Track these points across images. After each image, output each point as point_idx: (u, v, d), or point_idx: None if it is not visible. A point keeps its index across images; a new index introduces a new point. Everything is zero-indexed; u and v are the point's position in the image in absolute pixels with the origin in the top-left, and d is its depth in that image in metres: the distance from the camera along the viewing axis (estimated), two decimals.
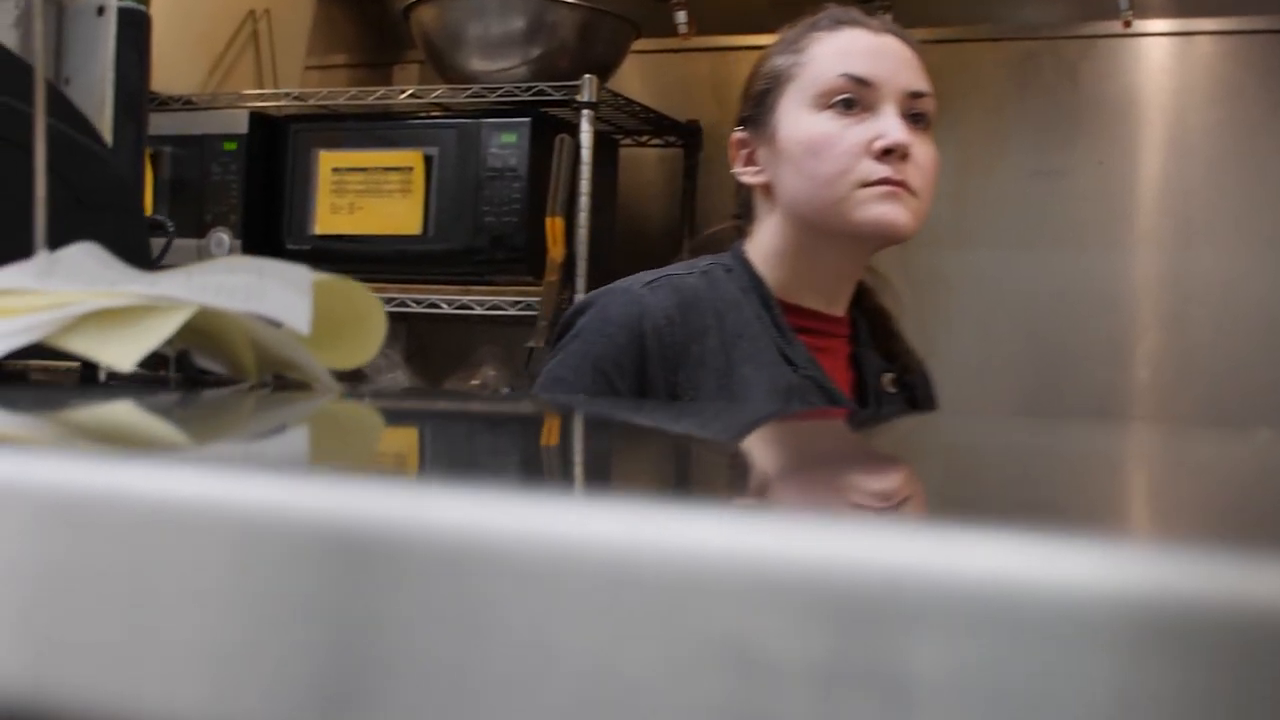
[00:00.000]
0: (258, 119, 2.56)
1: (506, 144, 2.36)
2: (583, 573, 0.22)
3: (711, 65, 2.70)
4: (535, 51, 2.42)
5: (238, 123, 2.54)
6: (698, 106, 2.68)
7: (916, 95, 1.34)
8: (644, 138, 2.73)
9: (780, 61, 1.37)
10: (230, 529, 0.25)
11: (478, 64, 2.46)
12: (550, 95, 2.38)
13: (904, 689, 0.20)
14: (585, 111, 2.33)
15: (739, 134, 1.41)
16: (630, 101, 2.51)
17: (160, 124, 2.41)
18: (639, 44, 2.59)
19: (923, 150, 1.33)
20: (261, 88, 2.79)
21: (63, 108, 0.79)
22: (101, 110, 0.91)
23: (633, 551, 0.22)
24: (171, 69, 2.51)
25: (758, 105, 1.39)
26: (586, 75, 2.32)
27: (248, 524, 0.25)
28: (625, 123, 2.62)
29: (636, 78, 2.70)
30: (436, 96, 2.51)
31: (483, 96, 2.43)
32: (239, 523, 0.25)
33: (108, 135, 0.89)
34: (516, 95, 2.40)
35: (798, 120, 1.34)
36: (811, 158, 1.32)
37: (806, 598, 0.20)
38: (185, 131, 2.54)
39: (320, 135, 2.54)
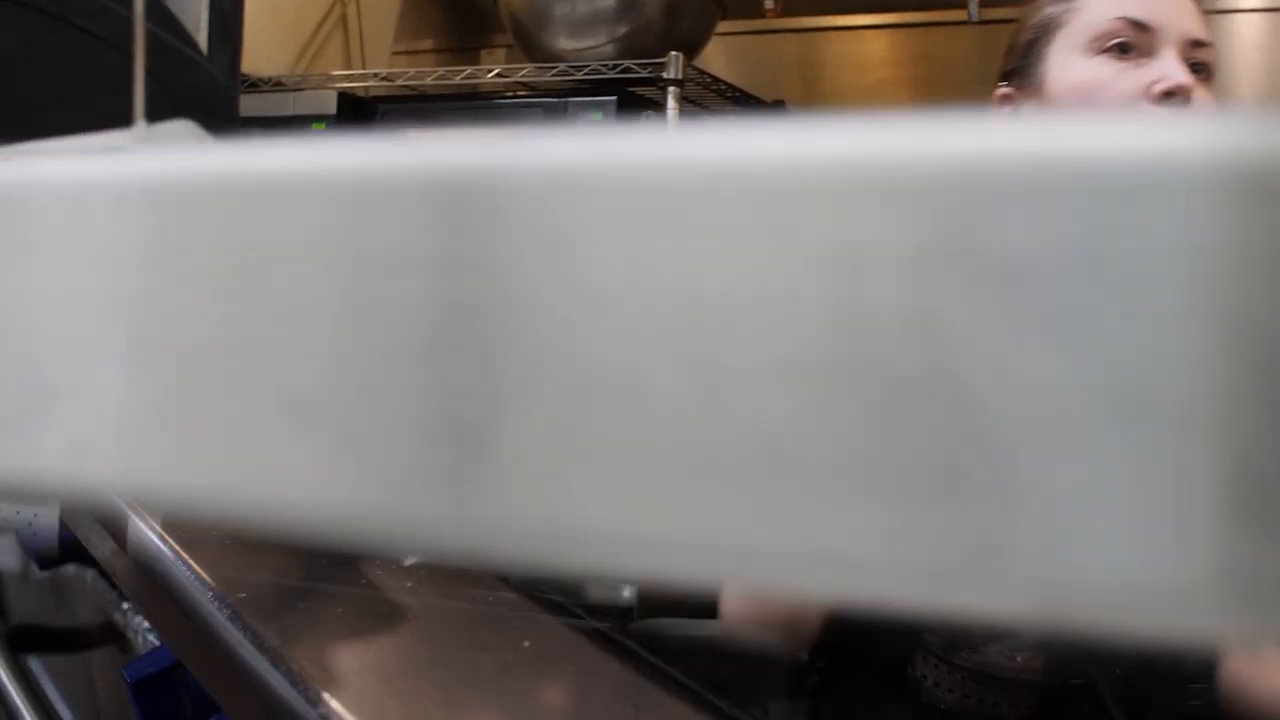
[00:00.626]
0: (346, 100, 2.59)
1: (593, 122, 2.37)
2: (674, 190, 0.22)
3: (798, 46, 2.70)
4: (621, 30, 2.43)
5: (326, 104, 2.58)
6: (783, 87, 2.68)
7: (1198, 44, 1.24)
8: (730, 117, 2.72)
9: (1051, 10, 1.29)
10: (334, 191, 0.25)
11: (564, 43, 2.47)
12: (636, 73, 2.38)
13: (1003, 267, 0.19)
14: (671, 89, 2.33)
15: (1003, 89, 1.35)
16: (716, 80, 2.51)
17: (249, 106, 2.45)
18: (725, 25, 2.59)
19: (1206, 100, 1.24)
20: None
21: (160, 12, 0.80)
22: (197, 32, 0.92)
23: (721, 163, 0.22)
24: (261, 52, 2.55)
25: (1024, 56, 1.32)
26: (672, 52, 2.32)
27: (352, 184, 0.25)
28: (711, 102, 2.62)
29: (722, 59, 2.71)
30: (523, 76, 2.53)
31: (568, 75, 2.45)
32: (343, 184, 0.25)
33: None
34: (602, 74, 2.41)
35: (1068, 66, 1.26)
36: (1084, 103, 1.24)
37: (898, 186, 0.20)
38: (274, 113, 2.58)
39: (409, 115, 2.57)
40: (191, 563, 0.74)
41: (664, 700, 0.61)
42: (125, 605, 1.07)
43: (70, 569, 1.17)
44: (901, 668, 0.68)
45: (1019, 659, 0.66)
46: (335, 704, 0.60)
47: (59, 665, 1.41)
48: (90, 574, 1.14)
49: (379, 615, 0.67)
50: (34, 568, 1.69)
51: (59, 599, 1.60)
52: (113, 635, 1.17)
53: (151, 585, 0.77)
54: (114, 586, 1.10)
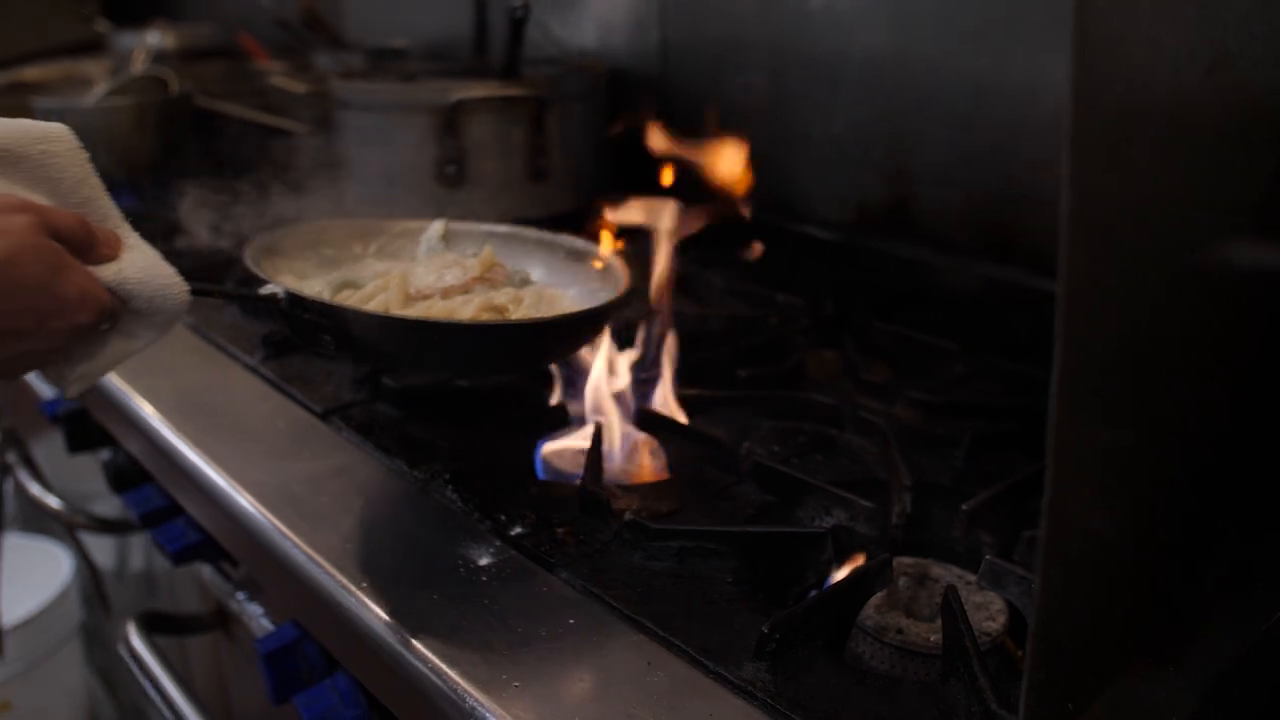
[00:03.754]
0: None
1: None
2: None
3: None
4: None
5: None
6: None
7: None
8: None
9: None
10: None
11: None
12: None
13: None
14: None
15: None
16: None
17: None
18: None
19: None
20: None
21: None
22: None
23: None
24: None
25: None
26: None
27: None
28: None
29: None
30: None
31: None
32: None
33: None
34: None
35: None
36: None
37: None
38: None
39: None
40: (313, 553, 0.99)
41: (670, 659, 0.86)
42: (240, 595, 1.32)
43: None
44: (843, 643, 0.92)
45: (931, 639, 0.90)
46: (439, 660, 0.86)
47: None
48: (207, 569, 1.39)
49: (469, 596, 0.93)
50: (129, 564, 1.96)
51: (151, 591, 1.86)
52: (222, 620, 1.43)
53: (280, 571, 1.02)
54: (228, 579, 1.36)
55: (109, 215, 0.90)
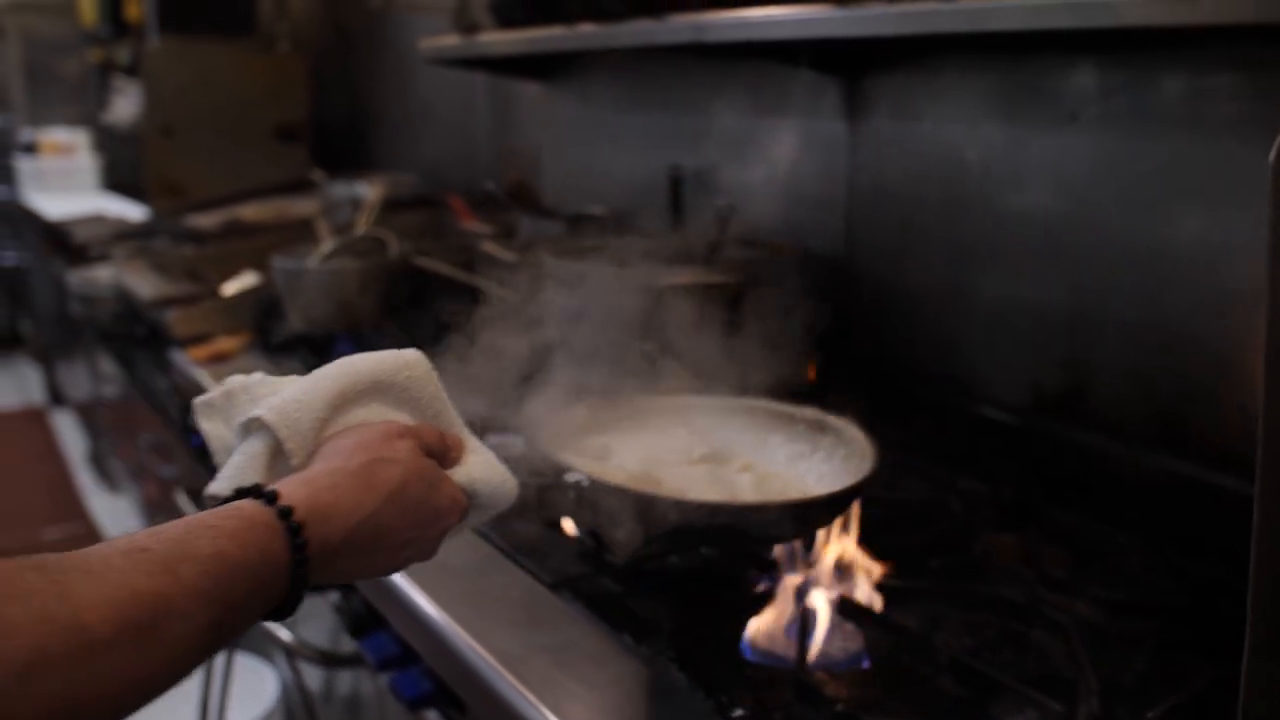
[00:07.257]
0: None
1: None
2: None
3: None
4: None
5: None
6: None
7: None
8: None
9: None
10: None
11: None
12: None
13: None
14: None
15: None
16: None
17: None
18: None
19: None
20: None
21: None
22: None
23: None
24: None
25: None
26: None
27: None
28: None
29: None
30: None
31: None
32: None
33: None
34: None
35: None
36: None
37: None
38: None
39: None
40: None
41: None
42: None
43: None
44: None
45: None
46: None
47: None
48: (433, 713, 1.53)
49: None
50: (335, 689, 2.10)
51: (354, 717, 2.01)
52: None
53: None
54: None
55: (453, 423, 1.06)
